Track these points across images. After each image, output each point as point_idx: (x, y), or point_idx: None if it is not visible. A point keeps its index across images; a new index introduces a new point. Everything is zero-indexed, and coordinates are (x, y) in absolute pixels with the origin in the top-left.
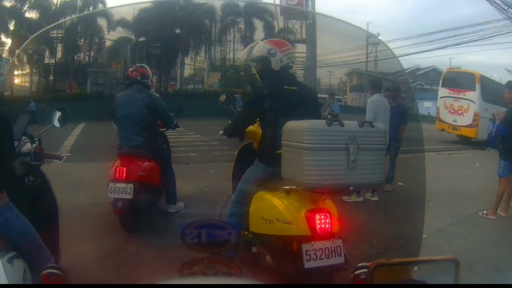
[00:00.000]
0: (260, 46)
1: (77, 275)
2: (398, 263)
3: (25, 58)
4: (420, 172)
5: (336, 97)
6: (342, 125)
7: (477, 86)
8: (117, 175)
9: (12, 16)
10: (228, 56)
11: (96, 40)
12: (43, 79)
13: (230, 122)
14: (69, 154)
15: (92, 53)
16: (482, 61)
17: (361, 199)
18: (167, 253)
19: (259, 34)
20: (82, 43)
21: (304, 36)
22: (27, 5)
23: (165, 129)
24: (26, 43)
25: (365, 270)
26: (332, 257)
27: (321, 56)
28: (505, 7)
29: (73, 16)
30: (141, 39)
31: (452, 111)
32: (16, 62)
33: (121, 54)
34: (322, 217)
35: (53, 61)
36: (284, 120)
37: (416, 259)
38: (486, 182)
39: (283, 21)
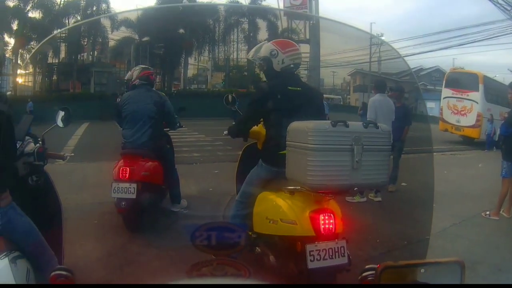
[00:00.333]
0: (265, 46)
1: (81, 275)
2: (405, 265)
3: (29, 60)
4: (425, 172)
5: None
6: (347, 126)
7: (480, 86)
8: (120, 175)
9: (15, 16)
10: (231, 56)
11: (100, 40)
12: (46, 78)
13: (234, 122)
14: (72, 154)
15: (95, 53)
16: (485, 62)
17: (365, 199)
18: (170, 253)
19: (263, 34)
20: (85, 43)
21: (307, 36)
22: (30, 5)
23: (168, 129)
24: (35, 49)
25: (373, 272)
26: (335, 257)
27: (325, 56)
28: (508, 8)
29: (81, 21)
30: (145, 39)
31: (456, 111)
32: (21, 63)
33: (124, 54)
34: (326, 217)
35: (56, 61)
36: (288, 120)
37: (422, 261)
38: (489, 182)
39: (287, 21)
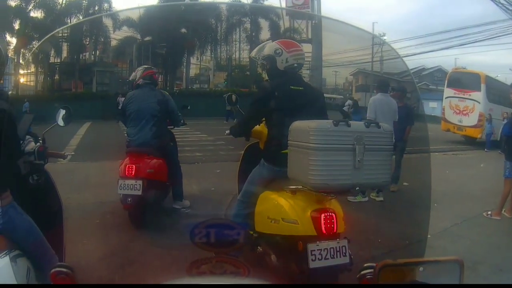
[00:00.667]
0: (269, 45)
1: (83, 274)
2: (404, 264)
3: (31, 58)
4: (426, 172)
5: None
6: (349, 126)
7: (482, 86)
8: (126, 172)
9: (17, 15)
10: (234, 55)
11: (102, 40)
12: (48, 78)
13: (236, 121)
14: (73, 153)
15: (97, 52)
16: (487, 61)
17: (366, 199)
18: (172, 252)
19: (265, 33)
20: (87, 43)
21: (310, 36)
22: (32, 5)
23: (172, 127)
24: (36, 46)
25: (371, 270)
26: (337, 257)
27: (327, 56)
28: (510, 7)
29: (80, 17)
30: (147, 38)
31: (458, 111)
32: (22, 62)
33: (126, 53)
34: (328, 217)
35: (58, 61)
36: (290, 120)
37: (421, 260)
38: (490, 182)
39: (289, 21)
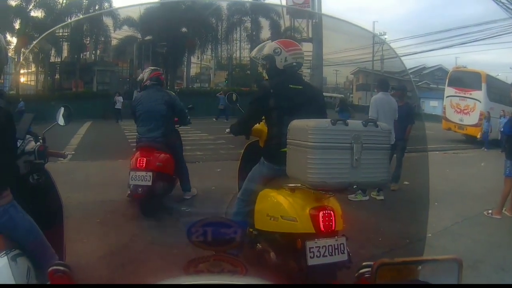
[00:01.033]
0: (269, 45)
1: (83, 273)
2: (402, 263)
3: (31, 57)
4: (425, 171)
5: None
6: (347, 125)
7: (483, 85)
8: (138, 164)
9: (18, 15)
10: (234, 54)
11: (102, 39)
12: (49, 77)
13: (237, 120)
14: (73, 152)
15: (98, 52)
16: (488, 60)
17: (367, 198)
18: (173, 251)
19: (265, 33)
20: (88, 42)
21: (310, 35)
22: (32, 4)
23: (178, 126)
24: (34, 43)
25: (369, 269)
26: (335, 254)
27: (328, 55)
28: (511, 6)
29: (81, 16)
30: (148, 38)
31: (459, 110)
32: (22, 61)
33: (127, 53)
34: (326, 215)
35: (59, 60)
36: (290, 118)
37: (419, 259)
38: (491, 181)
39: (290, 20)
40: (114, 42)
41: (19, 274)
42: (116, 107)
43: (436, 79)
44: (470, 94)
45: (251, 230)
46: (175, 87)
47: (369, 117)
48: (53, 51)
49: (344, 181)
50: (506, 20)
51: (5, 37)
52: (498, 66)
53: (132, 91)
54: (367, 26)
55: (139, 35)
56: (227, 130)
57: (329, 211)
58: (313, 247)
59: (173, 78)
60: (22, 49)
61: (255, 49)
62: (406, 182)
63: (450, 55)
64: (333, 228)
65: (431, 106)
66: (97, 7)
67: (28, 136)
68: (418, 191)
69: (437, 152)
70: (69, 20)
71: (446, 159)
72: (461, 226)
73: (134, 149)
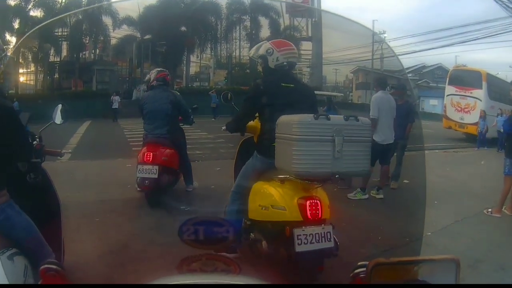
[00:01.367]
0: (264, 45)
1: (82, 272)
2: (398, 263)
3: (30, 56)
4: (422, 170)
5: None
6: (329, 119)
7: (484, 84)
8: (145, 158)
9: (17, 14)
10: (234, 53)
11: (102, 38)
12: (48, 77)
13: (232, 118)
14: (70, 151)
15: (97, 51)
16: (488, 59)
17: (367, 196)
18: (173, 250)
19: (265, 31)
20: (87, 41)
21: (310, 34)
22: (31, 4)
23: (182, 124)
24: (22, 39)
25: (364, 269)
26: (322, 242)
27: (327, 53)
28: (511, 5)
29: (79, 16)
30: (147, 36)
31: (459, 109)
32: (13, 56)
33: (126, 52)
34: (313, 204)
35: (58, 59)
36: (281, 115)
37: (416, 259)
38: (491, 180)
39: (289, 19)
40: (113, 41)
41: (16, 272)
42: (113, 107)
43: (436, 77)
44: (471, 92)
45: (245, 220)
46: (175, 86)
47: (370, 116)
48: (52, 51)
49: (326, 171)
50: (506, 19)
51: (4, 37)
52: (498, 64)
53: (131, 90)
54: (367, 25)
55: (138, 34)
56: (223, 127)
57: (316, 201)
58: (300, 235)
59: (173, 77)
60: (21, 49)
61: (253, 49)
62: (405, 181)
63: (449, 53)
64: (319, 217)
65: (431, 104)
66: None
67: None
68: (418, 189)
69: (437, 151)
70: (68, 20)
71: (446, 158)
72: (461, 225)
73: (142, 145)
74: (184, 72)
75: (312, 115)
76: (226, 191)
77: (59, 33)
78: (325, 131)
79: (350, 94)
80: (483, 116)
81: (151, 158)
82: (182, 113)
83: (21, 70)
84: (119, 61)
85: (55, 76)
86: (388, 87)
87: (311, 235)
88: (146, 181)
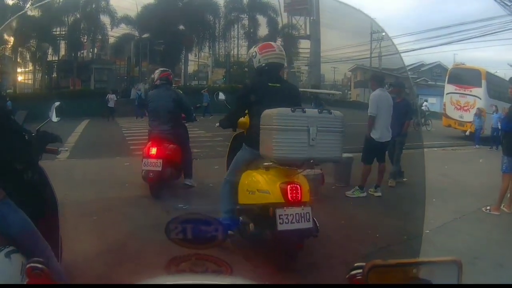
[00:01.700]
0: (252, 49)
1: (80, 270)
2: (396, 265)
3: (28, 56)
4: (420, 168)
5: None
6: (304, 112)
7: (483, 82)
8: (149, 152)
9: (15, 14)
10: (232, 52)
11: (100, 37)
12: (46, 76)
13: (225, 115)
14: (66, 149)
15: (95, 50)
16: (486, 57)
17: (365, 194)
18: (171, 249)
19: (263, 30)
20: (85, 40)
21: (308, 32)
22: (29, 3)
23: (185, 122)
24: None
25: (360, 270)
26: (302, 222)
27: (325, 52)
28: (509, 3)
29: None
30: (145, 35)
31: (459, 107)
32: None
33: (124, 50)
34: (294, 188)
35: (56, 58)
36: None
37: (415, 261)
38: (489, 178)
39: (287, 17)
40: (111, 40)
41: (14, 270)
42: (108, 105)
43: (434, 76)
44: (470, 91)
45: (236, 206)
46: (173, 85)
47: (369, 114)
48: (50, 50)
49: (303, 156)
50: (504, 17)
51: (2, 36)
52: (496, 63)
53: (129, 89)
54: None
55: (136, 33)
56: (217, 124)
57: (296, 185)
58: (282, 215)
59: (171, 75)
60: (19, 48)
61: (250, 51)
62: (404, 179)
63: (448, 52)
64: (299, 199)
65: (429, 103)
66: (94, 6)
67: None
68: (416, 187)
69: (435, 149)
70: (66, 19)
71: (445, 156)
72: (459, 222)
73: (147, 140)
74: (183, 71)
75: (290, 108)
76: None
77: (57, 32)
78: (301, 122)
79: (349, 92)
80: (478, 113)
81: (155, 152)
82: (183, 110)
83: (19, 70)
84: (117, 60)
85: (53, 75)
86: (386, 85)
87: (291, 215)
88: (151, 174)
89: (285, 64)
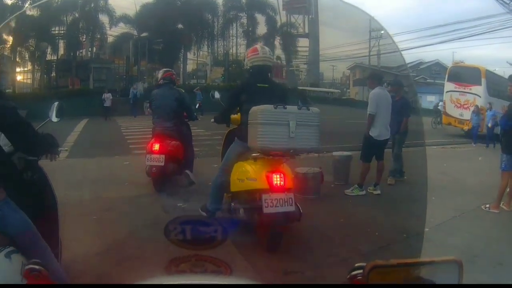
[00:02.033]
0: (245, 52)
1: (79, 269)
2: (397, 265)
3: (27, 55)
4: (423, 166)
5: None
6: (285, 108)
7: (483, 80)
8: (153, 148)
9: (14, 13)
10: (231, 50)
11: (98, 36)
12: (45, 75)
13: (218, 112)
14: (66, 148)
15: (94, 49)
16: (485, 55)
17: (364, 192)
18: (171, 249)
19: (262, 28)
20: (84, 39)
21: (306, 31)
22: (28, 2)
23: (188, 120)
24: None
25: (361, 271)
26: (285, 206)
27: (324, 50)
28: (508, 1)
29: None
30: (144, 34)
31: (459, 105)
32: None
33: (123, 49)
34: (278, 176)
35: (55, 58)
36: None
37: (416, 261)
38: (489, 176)
39: (286, 16)
40: (110, 39)
41: (13, 271)
42: (105, 105)
43: (433, 74)
44: (470, 89)
45: (228, 194)
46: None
47: (368, 112)
48: (49, 49)
49: (284, 147)
50: (503, 15)
51: (1, 36)
52: (495, 60)
53: (128, 88)
54: (364, 22)
55: (135, 32)
56: (212, 120)
57: (281, 174)
58: (267, 199)
59: None
60: (18, 48)
61: (246, 53)
62: (404, 177)
63: (447, 50)
64: (283, 186)
65: (428, 101)
66: (92, 5)
67: None
68: (416, 185)
69: (435, 147)
70: (65, 18)
71: (444, 154)
72: (459, 220)
73: (151, 136)
74: (181, 70)
75: (272, 105)
76: None
77: (56, 31)
78: (282, 117)
79: (347, 90)
80: (476, 111)
81: (158, 148)
82: (185, 109)
83: (18, 69)
84: (116, 59)
85: (52, 74)
86: (385, 84)
87: (276, 200)
88: (154, 169)
89: (271, 65)
